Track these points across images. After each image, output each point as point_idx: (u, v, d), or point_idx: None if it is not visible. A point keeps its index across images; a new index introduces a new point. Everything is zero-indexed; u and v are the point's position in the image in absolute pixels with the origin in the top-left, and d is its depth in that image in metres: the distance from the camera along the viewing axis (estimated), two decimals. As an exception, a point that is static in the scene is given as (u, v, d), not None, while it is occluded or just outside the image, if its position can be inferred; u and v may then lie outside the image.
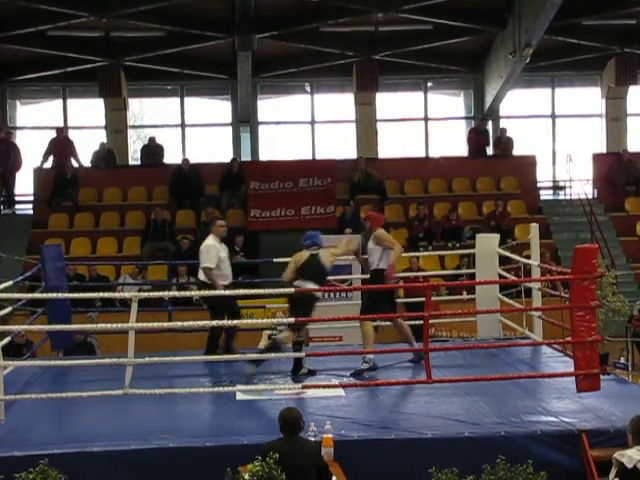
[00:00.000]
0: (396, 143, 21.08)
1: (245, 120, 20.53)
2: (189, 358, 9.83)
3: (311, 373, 9.80)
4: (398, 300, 11.10)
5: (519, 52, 18.22)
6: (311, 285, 9.53)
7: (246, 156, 20.63)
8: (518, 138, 20.47)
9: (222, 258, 10.46)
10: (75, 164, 19.21)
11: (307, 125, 21.12)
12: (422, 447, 7.42)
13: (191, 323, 9.16)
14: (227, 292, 9.88)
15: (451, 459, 6.87)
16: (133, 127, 21.62)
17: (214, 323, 9.76)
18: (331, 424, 7.29)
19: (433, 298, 10.51)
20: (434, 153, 20.98)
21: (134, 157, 20.81)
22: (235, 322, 10.14)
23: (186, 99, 21.02)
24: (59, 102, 20.80)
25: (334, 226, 17.37)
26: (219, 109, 21.27)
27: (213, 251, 10.39)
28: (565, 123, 21.60)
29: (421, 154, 20.96)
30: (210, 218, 14.24)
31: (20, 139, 20.02)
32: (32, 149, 19.61)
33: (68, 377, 9.91)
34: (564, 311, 9.79)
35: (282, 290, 9.20)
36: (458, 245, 17.41)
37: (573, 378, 8.23)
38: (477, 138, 20.18)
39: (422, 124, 21.28)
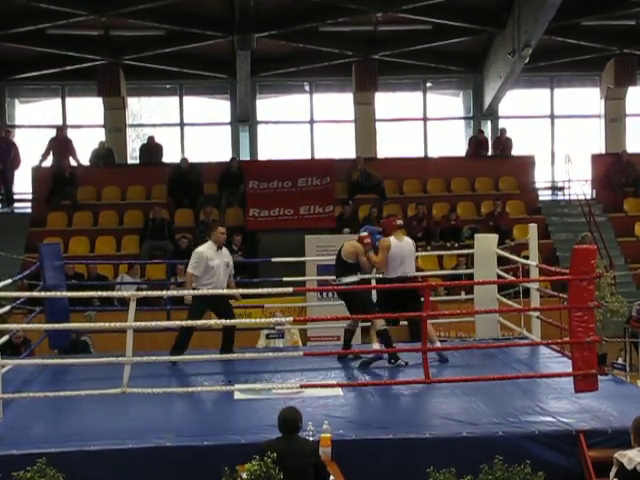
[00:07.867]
0: (395, 143, 21.09)
1: (244, 119, 20.53)
2: (187, 357, 9.82)
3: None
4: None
5: (518, 52, 18.22)
6: (346, 279, 10.03)
7: (245, 155, 20.63)
8: (517, 138, 20.48)
9: (211, 266, 10.18)
10: (74, 163, 19.20)
11: (306, 125, 21.11)
12: (420, 447, 7.40)
13: (189, 322, 9.16)
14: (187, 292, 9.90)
15: (449, 459, 6.88)
16: (132, 126, 21.60)
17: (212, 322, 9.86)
18: (329, 423, 7.26)
19: (431, 298, 10.50)
20: (433, 153, 20.99)
21: (133, 156, 20.79)
22: (234, 321, 10.19)
23: (185, 98, 21.01)
24: (58, 101, 20.79)
25: (332, 226, 17.40)
26: (218, 108, 21.25)
27: (201, 260, 10.20)
28: (564, 123, 21.60)
29: (420, 154, 20.96)
30: (211, 221, 14.05)
31: (19, 137, 20.00)
32: (31, 147, 19.60)
33: (66, 376, 9.91)
34: (562, 311, 9.79)
35: (280, 290, 9.19)
36: (457, 245, 17.39)
37: (571, 378, 8.23)
38: (477, 147, 20.20)
39: (421, 124, 21.28)
